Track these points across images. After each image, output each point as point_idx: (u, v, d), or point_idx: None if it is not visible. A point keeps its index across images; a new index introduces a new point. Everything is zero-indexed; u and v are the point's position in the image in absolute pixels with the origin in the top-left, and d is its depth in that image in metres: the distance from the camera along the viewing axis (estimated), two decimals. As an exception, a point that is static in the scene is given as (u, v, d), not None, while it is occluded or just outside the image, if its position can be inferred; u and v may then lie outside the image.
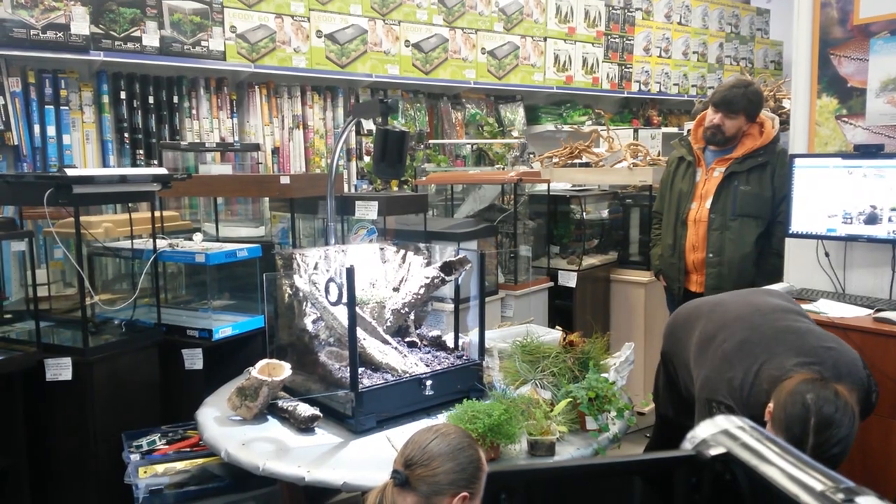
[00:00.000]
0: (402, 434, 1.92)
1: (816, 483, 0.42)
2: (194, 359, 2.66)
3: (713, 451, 0.48)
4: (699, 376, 2.07)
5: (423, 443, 1.47)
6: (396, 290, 2.41)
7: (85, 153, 3.42)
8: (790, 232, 2.90)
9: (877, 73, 2.82)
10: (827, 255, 2.90)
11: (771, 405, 1.73)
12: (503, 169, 4.45)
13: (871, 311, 2.60)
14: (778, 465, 0.45)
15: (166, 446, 2.36)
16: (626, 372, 2.24)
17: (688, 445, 0.50)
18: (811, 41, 3.00)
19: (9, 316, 2.73)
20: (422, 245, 2.48)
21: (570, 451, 1.90)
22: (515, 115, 5.13)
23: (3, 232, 2.47)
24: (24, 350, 2.42)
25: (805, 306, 2.71)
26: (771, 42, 6.77)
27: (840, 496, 0.40)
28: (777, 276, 3.07)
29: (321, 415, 2.04)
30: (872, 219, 2.69)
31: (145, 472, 2.19)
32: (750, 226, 3.04)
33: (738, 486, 0.47)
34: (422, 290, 2.32)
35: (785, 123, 3.48)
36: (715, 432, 0.50)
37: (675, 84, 5.97)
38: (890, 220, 2.65)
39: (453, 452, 1.45)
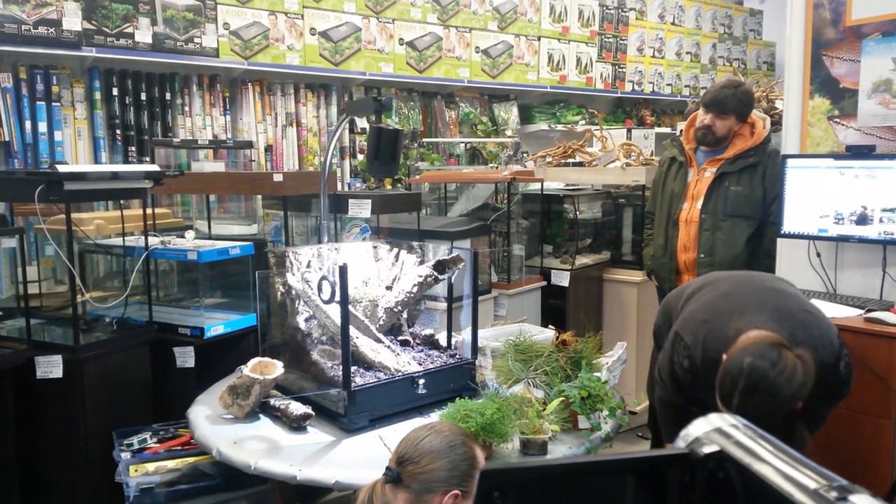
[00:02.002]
0: (394, 433, 1.92)
1: (810, 481, 0.42)
2: (186, 357, 2.65)
3: (706, 450, 0.48)
4: (679, 318, 2.11)
5: (416, 440, 1.47)
6: (389, 288, 2.41)
7: (76, 150, 3.40)
8: (782, 232, 2.91)
9: (869, 74, 2.83)
10: (818, 255, 2.91)
11: (724, 356, 1.77)
12: (497, 168, 4.45)
13: (861, 312, 2.62)
14: (771, 463, 0.45)
15: (157, 445, 2.35)
16: (619, 371, 2.24)
17: (681, 443, 0.50)
18: (804, 42, 3.01)
19: (-1, 313, 2.72)
20: (415, 243, 2.48)
21: (562, 450, 1.91)
22: (509, 114, 5.13)
23: (-6, 228, 2.46)
24: (14, 347, 2.40)
25: (796, 306, 2.73)
26: (764, 43, 6.80)
27: (833, 494, 0.40)
28: (769, 276, 3.08)
29: (313, 413, 2.04)
30: (863, 219, 2.71)
31: (136, 470, 2.18)
32: (741, 226, 3.06)
33: (732, 485, 0.47)
34: (415, 289, 2.32)
35: (777, 124, 3.49)
36: (708, 430, 0.50)
37: (668, 84, 5.99)
38: (881, 220, 2.67)
39: (445, 450, 1.44)
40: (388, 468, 1.46)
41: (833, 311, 2.62)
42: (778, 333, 1.78)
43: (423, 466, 1.42)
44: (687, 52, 6.11)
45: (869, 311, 2.59)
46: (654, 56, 5.89)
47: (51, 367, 2.38)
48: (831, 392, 1.91)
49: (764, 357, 1.66)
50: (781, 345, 1.69)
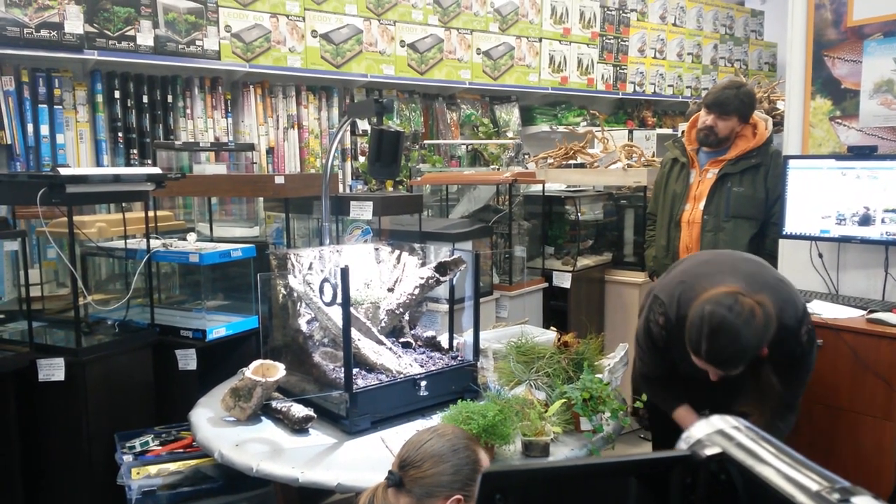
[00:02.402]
0: (396, 435, 1.92)
1: (812, 483, 0.42)
2: (188, 359, 2.65)
3: (708, 452, 0.48)
4: (658, 283, 2.20)
5: (418, 444, 1.46)
6: (391, 290, 2.41)
7: (78, 152, 3.41)
8: (784, 233, 2.91)
9: (870, 74, 2.83)
10: (820, 256, 2.91)
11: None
12: (498, 169, 4.45)
13: (864, 312, 2.61)
14: (773, 465, 0.44)
15: (159, 447, 2.35)
16: (621, 373, 2.24)
17: (683, 445, 0.50)
18: (805, 43, 3.01)
19: (1, 316, 2.72)
20: (416, 245, 2.48)
21: (564, 452, 1.90)
22: (510, 115, 5.14)
23: (-4, 231, 2.46)
24: (17, 350, 2.40)
25: (799, 307, 2.72)
26: (765, 44, 6.79)
27: (836, 496, 0.39)
28: (771, 277, 3.07)
29: (315, 415, 2.03)
30: (866, 220, 2.70)
31: (138, 473, 2.18)
32: (743, 227, 3.05)
33: (734, 487, 0.46)
34: (416, 291, 2.32)
35: (779, 125, 3.49)
36: (710, 432, 0.50)
37: (669, 85, 5.99)
38: (883, 221, 2.66)
39: (448, 453, 1.43)
40: (390, 472, 1.46)
41: (835, 312, 2.62)
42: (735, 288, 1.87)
43: (426, 471, 1.41)
44: (688, 53, 6.11)
45: (871, 312, 2.59)
46: (655, 57, 5.89)
47: (53, 370, 2.38)
48: (793, 357, 1.96)
49: (721, 303, 1.77)
50: (738, 293, 1.79)
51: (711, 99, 3.08)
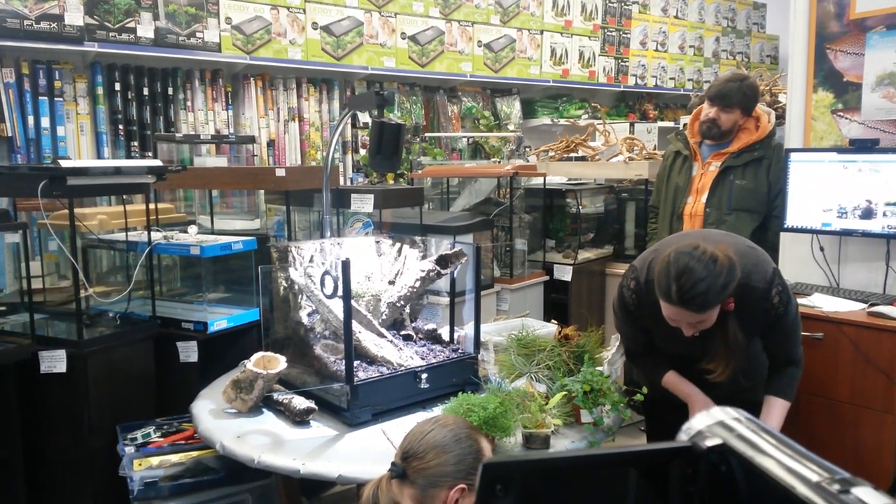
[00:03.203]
0: (397, 427, 1.92)
1: (812, 474, 0.42)
2: (189, 351, 2.65)
3: (709, 443, 0.48)
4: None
5: (420, 434, 1.46)
6: (392, 283, 2.41)
7: (79, 145, 3.41)
8: (785, 226, 2.90)
9: (872, 67, 2.82)
10: (822, 249, 2.90)
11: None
12: (499, 162, 4.45)
13: (864, 306, 2.61)
14: (774, 456, 0.45)
15: (161, 439, 2.35)
16: (619, 364, 2.24)
17: (683, 437, 0.50)
18: (807, 35, 3.00)
19: (3, 308, 2.72)
20: (417, 238, 2.48)
21: (564, 444, 1.91)
22: (511, 108, 5.13)
23: (-3, 224, 2.46)
24: (18, 342, 2.41)
25: (799, 300, 2.72)
26: (767, 36, 6.77)
27: (836, 487, 0.40)
28: (772, 270, 3.07)
29: (316, 408, 2.04)
30: (867, 213, 2.70)
31: (140, 464, 2.19)
32: (745, 220, 3.05)
33: (734, 478, 0.47)
34: (417, 284, 2.32)
35: (781, 118, 3.48)
36: (711, 423, 0.50)
37: (671, 78, 5.97)
38: (885, 214, 2.66)
39: (451, 443, 1.44)
40: (393, 464, 1.46)
41: (836, 306, 2.62)
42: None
43: (429, 461, 1.41)
44: (690, 46, 6.10)
45: (872, 305, 2.59)
46: (657, 50, 5.87)
47: (55, 362, 2.38)
48: (770, 317, 2.01)
49: (683, 250, 1.85)
50: (700, 243, 1.87)
51: (714, 91, 3.07)
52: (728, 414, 0.50)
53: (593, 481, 0.52)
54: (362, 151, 4.34)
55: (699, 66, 6.17)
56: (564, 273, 3.74)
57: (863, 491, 0.39)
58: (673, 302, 1.86)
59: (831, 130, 2.96)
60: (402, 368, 2.10)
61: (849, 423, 2.52)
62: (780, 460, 0.43)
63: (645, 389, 2.14)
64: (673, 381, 2.19)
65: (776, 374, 2.12)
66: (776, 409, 2.07)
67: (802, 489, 0.40)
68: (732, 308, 1.93)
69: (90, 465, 2.44)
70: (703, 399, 2.12)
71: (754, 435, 0.47)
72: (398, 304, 2.34)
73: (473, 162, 4.72)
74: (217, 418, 2.09)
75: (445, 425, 1.48)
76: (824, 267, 2.91)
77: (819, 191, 2.80)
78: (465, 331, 2.36)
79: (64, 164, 2.31)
